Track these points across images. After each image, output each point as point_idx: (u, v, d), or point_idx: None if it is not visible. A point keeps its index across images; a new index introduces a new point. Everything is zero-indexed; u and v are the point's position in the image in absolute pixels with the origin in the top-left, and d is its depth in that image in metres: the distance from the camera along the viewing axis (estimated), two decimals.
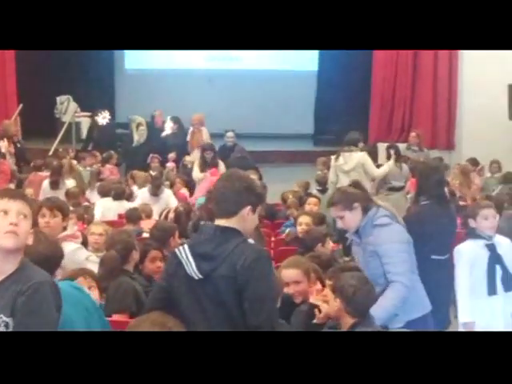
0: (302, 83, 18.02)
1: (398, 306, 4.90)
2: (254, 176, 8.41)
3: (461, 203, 10.24)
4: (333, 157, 10.95)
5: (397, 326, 4.91)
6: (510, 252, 5.84)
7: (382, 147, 14.19)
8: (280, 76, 18.24)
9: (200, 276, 3.67)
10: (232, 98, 18.19)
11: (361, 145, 11.25)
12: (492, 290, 5.74)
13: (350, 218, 5.16)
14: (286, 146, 17.05)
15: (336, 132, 16.63)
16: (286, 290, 5.18)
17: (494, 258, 5.76)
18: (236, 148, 13.21)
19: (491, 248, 5.79)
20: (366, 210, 5.16)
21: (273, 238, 8.76)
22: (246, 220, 3.78)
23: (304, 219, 7.75)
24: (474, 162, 13.08)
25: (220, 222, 3.78)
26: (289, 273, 5.23)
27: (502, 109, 14.12)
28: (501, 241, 5.87)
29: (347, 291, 4.19)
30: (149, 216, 9.23)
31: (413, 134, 13.82)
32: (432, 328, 5.30)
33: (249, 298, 3.60)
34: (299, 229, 7.64)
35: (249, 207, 3.77)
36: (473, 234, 5.81)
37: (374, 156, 14.18)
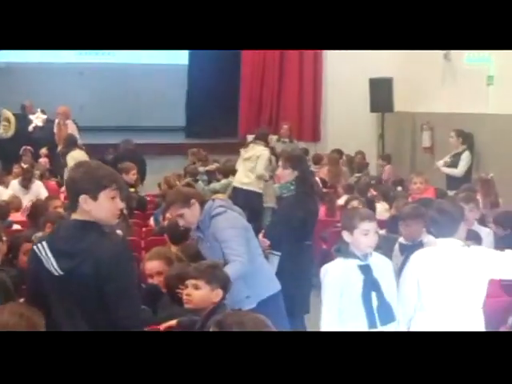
0: (173, 77, 18.07)
1: (234, 278, 4.81)
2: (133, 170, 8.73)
3: (325, 190, 10.87)
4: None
5: (250, 307, 5.07)
6: (388, 276, 4.81)
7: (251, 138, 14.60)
8: (152, 69, 18.20)
9: (60, 272, 3.59)
10: (105, 92, 18.10)
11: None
12: (373, 323, 4.64)
13: (190, 215, 5.26)
14: (159, 138, 17.05)
15: (207, 125, 17.04)
16: (150, 281, 5.38)
17: (370, 284, 4.69)
18: (125, 140, 13.33)
19: (366, 270, 4.71)
20: (202, 205, 5.29)
21: (144, 229, 8.90)
22: (90, 209, 3.62)
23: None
24: (338, 152, 13.67)
25: (74, 215, 3.68)
26: (152, 264, 5.42)
27: (364, 102, 14.59)
28: (377, 261, 4.82)
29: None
30: (17, 209, 9.33)
31: (285, 126, 14.18)
32: (283, 307, 5.57)
33: (110, 293, 3.54)
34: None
35: (83, 196, 3.61)
36: (345, 251, 4.76)
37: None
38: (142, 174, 11.58)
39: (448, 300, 4.69)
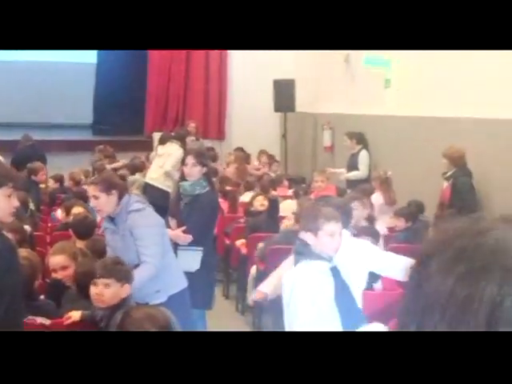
0: (81, 75, 17.97)
1: (144, 282, 5.07)
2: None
3: (228, 188, 11.16)
4: None
5: (159, 301, 5.16)
6: (353, 276, 4.52)
7: (157, 136, 14.77)
8: (59, 67, 18.08)
9: None
10: (14, 89, 17.87)
11: (190, 139, 12.03)
12: (348, 327, 4.23)
13: (105, 202, 5.32)
14: (66, 135, 16.99)
15: (114, 122, 17.10)
16: (54, 275, 5.43)
17: (341, 287, 4.41)
18: (24, 136, 13.29)
19: (335, 273, 4.41)
20: (120, 198, 5.33)
21: (49, 224, 8.99)
22: None
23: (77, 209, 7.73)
24: (241, 150, 13.98)
25: None
26: (56, 259, 5.46)
27: (268, 102, 14.77)
28: (342, 261, 4.46)
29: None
30: None
31: (192, 124, 14.35)
32: (189, 302, 5.70)
33: None
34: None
35: None
36: (309, 253, 4.40)
37: (149, 145, 14.85)
38: None
39: None
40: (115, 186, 5.40)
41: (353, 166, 11.84)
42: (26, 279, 4.59)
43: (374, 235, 6.52)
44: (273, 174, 12.75)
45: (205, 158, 6.63)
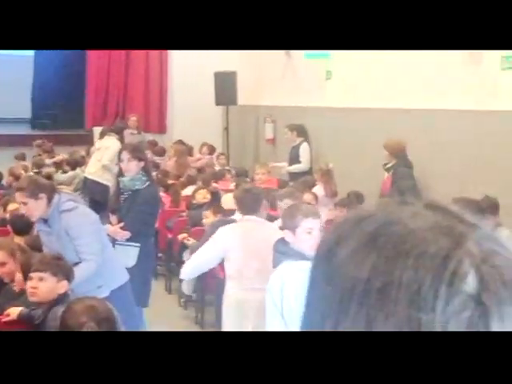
0: (18, 68, 17.64)
1: (83, 279, 5.01)
2: None
3: (170, 181, 11.11)
4: None
5: (102, 296, 4.91)
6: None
7: (97, 130, 14.64)
8: None
9: None
10: None
11: (131, 132, 11.94)
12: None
13: (34, 207, 5.22)
14: (4, 129, 16.63)
15: (53, 116, 16.91)
16: None
17: None
18: None
19: None
20: (50, 200, 5.23)
21: None
22: None
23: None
24: (181, 143, 13.90)
25: None
26: None
27: (210, 95, 14.67)
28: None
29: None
30: None
31: (133, 118, 14.24)
32: (131, 297, 5.71)
33: None
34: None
35: None
36: (290, 252, 4.31)
37: (90, 139, 14.69)
38: None
39: (248, 266, 5.28)
40: (42, 189, 5.27)
41: (294, 158, 11.87)
42: None
43: None
44: (218, 168, 12.69)
45: (140, 152, 6.58)
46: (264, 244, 4.95)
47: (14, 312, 4.72)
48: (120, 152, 6.57)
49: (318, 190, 9.33)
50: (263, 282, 4.63)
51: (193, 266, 5.66)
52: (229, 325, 5.43)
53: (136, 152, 6.41)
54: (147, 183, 6.40)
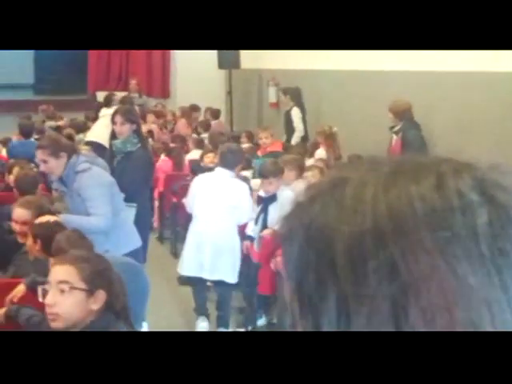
0: None
1: (84, 228, 4.81)
2: None
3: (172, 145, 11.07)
4: None
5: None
6: None
7: (100, 95, 14.62)
8: None
9: None
10: None
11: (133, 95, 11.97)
12: None
13: (54, 165, 5.35)
14: (7, 95, 16.65)
15: (56, 81, 16.85)
16: (13, 226, 5.27)
17: None
18: None
19: None
20: (69, 159, 5.36)
21: None
22: None
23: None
24: (193, 107, 13.91)
25: None
26: (20, 212, 5.30)
27: (213, 59, 14.48)
28: None
29: None
30: None
31: (133, 81, 14.29)
32: (143, 261, 5.79)
33: None
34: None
35: None
36: None
37: (92, 104, 14.63)
38: None
39: (209, 211, 6.40)
40: (64, 148, 5.39)
41: (288, 123, 11.82)
42: None
43: None
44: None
45: (133, 115, 6.67)
46: (222, 192, 6.37)
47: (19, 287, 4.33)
48: (113, 115, 6.62)
49: (321, 153, 9.30)
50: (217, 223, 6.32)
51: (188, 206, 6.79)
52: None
53: (128, 115, 6.51)
54: (138, 145, 6.48)
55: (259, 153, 9.89)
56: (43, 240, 4.65)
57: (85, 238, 4.36)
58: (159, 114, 13.67)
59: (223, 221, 6.39)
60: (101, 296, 2.90)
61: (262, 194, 6.56)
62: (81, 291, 2.88)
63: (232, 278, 6.40)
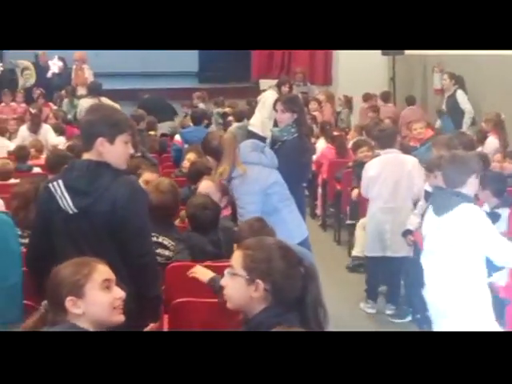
0: None
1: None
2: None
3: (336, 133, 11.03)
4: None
5: None
6: None
7: (263, 82, 14.76)
8: None
9: (75, 210, 3.63)
10: None
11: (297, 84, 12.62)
12: None
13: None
14: (172, 83, 17.01)
15: (220, 69, 17.13)
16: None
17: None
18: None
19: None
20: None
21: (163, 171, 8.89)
22: (105, 152, 3.68)
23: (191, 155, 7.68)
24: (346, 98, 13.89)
25: (86, 155, 3.73)
26: (206, 184, 5.58)
27: None
28: None
29: None
30: (40, 151, 9.51)
31: (298, 69, 14.39)
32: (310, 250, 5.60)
33: (130, 232, 3.63)
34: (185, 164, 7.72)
35: (100, 139, 3.67)
36: (465, 196, 4.73)
37: (256, 91, 14.78)
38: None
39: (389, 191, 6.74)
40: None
41: (452, 108, 11.56)
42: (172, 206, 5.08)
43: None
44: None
45: (294, 104, 6.60)
46: (400, 169, 6.72)
47: (203, 273, 4.37)
48: (275, 103, 6.66)
49: (492, 141, 8.97)
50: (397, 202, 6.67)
51: None
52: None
53: (289, 104, 6.50)
54: (295, 135, 6.41)
55: (412, 143, 9.58)
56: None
57: (267, 227, 4.28)
58: (319, 101, 13.66)
59: (403, 200, 6.71)
60: (260, 286, 2.84)
61: (427, 188, 6.36)
62: (241, 277, 2.85)
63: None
